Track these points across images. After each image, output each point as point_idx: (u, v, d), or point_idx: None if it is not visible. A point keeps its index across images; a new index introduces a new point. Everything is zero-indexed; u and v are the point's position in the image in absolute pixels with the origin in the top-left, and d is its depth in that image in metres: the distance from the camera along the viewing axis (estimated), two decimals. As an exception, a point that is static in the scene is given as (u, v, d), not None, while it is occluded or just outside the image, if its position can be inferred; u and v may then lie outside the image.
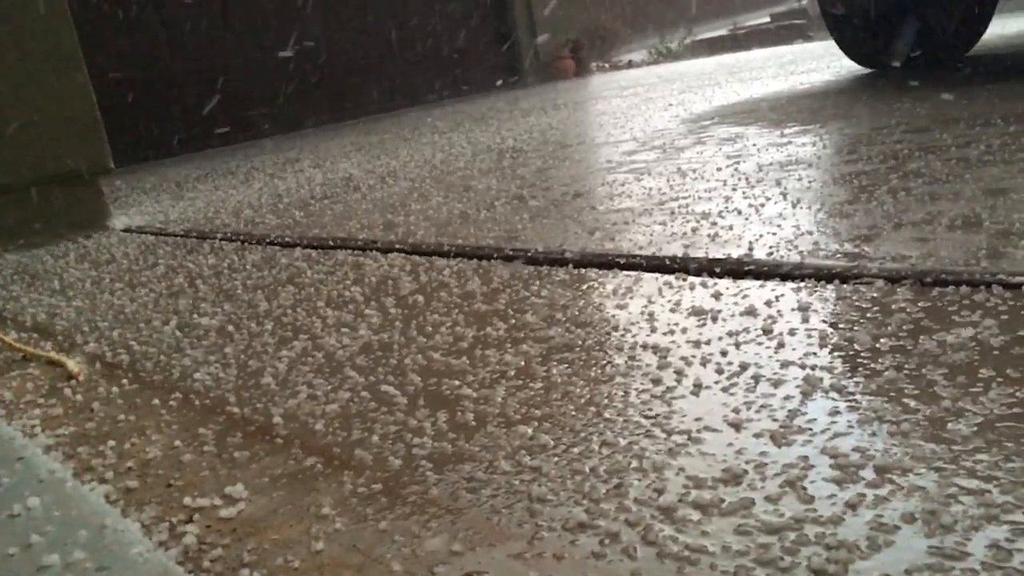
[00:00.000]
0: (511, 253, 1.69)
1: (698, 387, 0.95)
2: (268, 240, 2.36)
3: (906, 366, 0.90)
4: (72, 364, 1.44)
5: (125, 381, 1.33)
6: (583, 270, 1.51)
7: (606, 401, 0.96)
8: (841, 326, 1.05)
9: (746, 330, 1.09)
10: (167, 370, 1.35)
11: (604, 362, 1.08)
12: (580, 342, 1.16)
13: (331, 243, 2.14)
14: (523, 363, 1.12)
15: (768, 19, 11.46)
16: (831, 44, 4.22)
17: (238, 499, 0.86)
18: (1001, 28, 4.93)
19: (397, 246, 1.96)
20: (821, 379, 0.91)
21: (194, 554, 0.78)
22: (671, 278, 1.37)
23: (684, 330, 1.14)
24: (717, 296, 1.25)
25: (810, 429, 0.81)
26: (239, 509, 0.85)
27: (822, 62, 4.77)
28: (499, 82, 8.42)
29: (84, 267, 2.47)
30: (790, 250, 1.38)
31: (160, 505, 0.89)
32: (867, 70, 4.00)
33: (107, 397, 1.28)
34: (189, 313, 1.69)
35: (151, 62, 6.42)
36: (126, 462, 1.02)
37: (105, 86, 5.00)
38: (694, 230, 1.61)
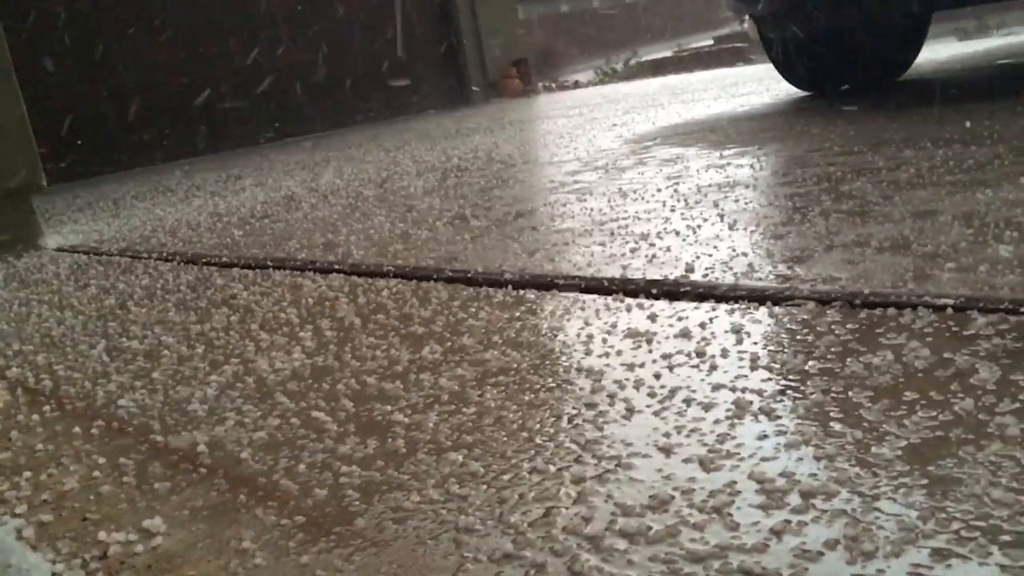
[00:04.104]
0: (451, 274, 1.68)
1: (630, 411, 0.94)
2: (204, 260, 2.31)
3: (833, 389, 0.91)
4: (-9, 390, 1.38)
5: (47, 408, 1.29)
6: (522, 291, 1.51)
7: (538, 426, 0.95)
8: (772, 348, 1.06)
9: (680, 352, 1.09)
10: (91, 396, 1.31)
11: (538, 386, 1.07)
12: (516, 365, 1.15)
13: (269, 263, 2.10)
14: (457, 387, 1.10)
15: (711, 42, 11.68)
16: (771, 67, 4.31)
17: (156, 533, 0.83)
18: (932, 54, 5.09)
19: (336, 267, 1.93)
20: (751, 402, 0.91)
21: (106, 593, 0.75)
22: (608, 300, 1.37)
23: (619, 352, 1.13)
24: (653, 318, 1.25)
25: (738, 454, 0.81)
26: (155, 544, 0.82)
27: (762, 85, 4.87)
28: (446, 101, 8.42)
29: (12, 287, 2.39)
30: (725, 271, 1.39)
31: (74, 540, 0.85)
32: (804, 93, 4.09)
33: (27, 425, 1.23)
34: (118, 336, 1.64)
35: (88, 76, 6.28)
36: (41, 494, 0.98)
37: (39, 100, 4.87)
38: (633, 251, 1.62)
